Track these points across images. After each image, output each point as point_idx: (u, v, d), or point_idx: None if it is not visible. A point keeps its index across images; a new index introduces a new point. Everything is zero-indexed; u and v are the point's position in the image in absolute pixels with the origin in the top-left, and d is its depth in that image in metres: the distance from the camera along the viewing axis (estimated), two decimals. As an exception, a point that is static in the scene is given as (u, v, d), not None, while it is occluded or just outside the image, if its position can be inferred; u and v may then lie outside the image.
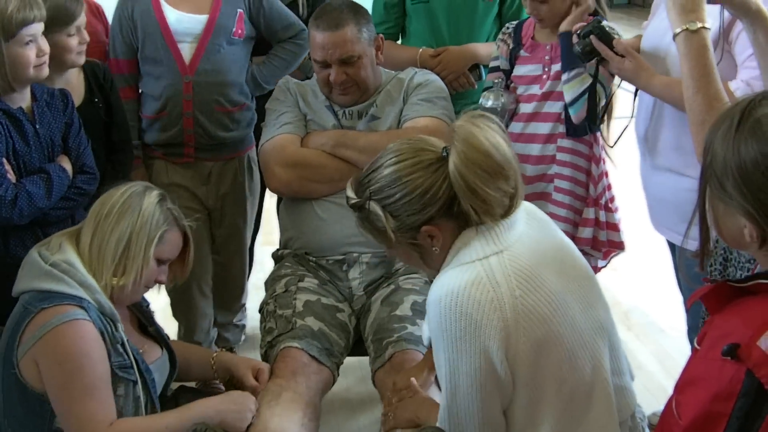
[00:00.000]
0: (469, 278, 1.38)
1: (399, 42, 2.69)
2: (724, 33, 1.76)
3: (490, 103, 2.28)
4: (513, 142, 1.51)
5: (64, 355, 1.60)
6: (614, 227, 2.30)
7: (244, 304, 2.91)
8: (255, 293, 2.85)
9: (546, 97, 2.25)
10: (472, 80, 2.55)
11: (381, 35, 2.27)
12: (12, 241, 1.96)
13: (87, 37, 2.14)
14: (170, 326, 2.67)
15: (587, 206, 2.27)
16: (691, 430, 1.15)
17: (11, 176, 1.90)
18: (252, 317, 2.93)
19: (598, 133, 2.26)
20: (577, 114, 2.18)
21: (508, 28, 2.38)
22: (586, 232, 2.26)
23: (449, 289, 1.38)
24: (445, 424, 1.47)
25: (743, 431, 1.10)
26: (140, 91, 2.54)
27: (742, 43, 1.75)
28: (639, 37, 2.09)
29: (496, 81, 2.33)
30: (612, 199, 2.32)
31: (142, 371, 1.74)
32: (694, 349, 1.23)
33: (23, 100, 1.97)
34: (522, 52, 2.31)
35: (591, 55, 2.03)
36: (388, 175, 1.45)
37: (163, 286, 1.87)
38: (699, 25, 1.58)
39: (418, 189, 1.42)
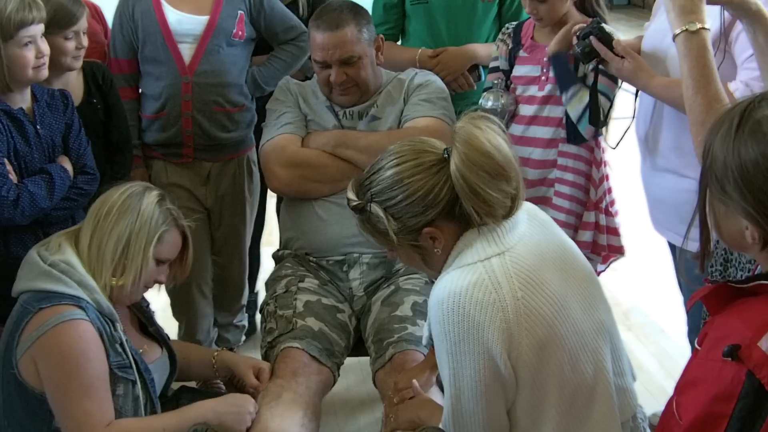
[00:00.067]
0: (471, 279, 1.38)
1: (399, 43, 2.69)
2: (724, 34, 1.76)
3: (490, 104, 2.28)
4: (513, 144, 1.51)
5: (62, 355, 1.60)
6: (614, 231, 2.30)
7: (244, 305, 2.91)
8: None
9: (546, 100, 2.25)
10: (471, 81, 2.55)
11: (381, 36, 2.27)
12: (12, 241, 1.96)
13: (85, 43, 2.14)
14: (170, 326, 2.67)
15: (587, 210, 2.27)
16: (691, 431, 1.15)
17: (13, 177, 1.91)
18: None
19: (600, 137, 2.26)
20: (586, 130, 2.18)
21: (507, 28, 2.37)
22: (586, 236, 2.26)
23: (451, 291, 1.38)
24: (449, 425, 1.47)
25: (744, 432, 1.10)
26: (140, 91, 2.55)
27: (742, 44, 1.75)
28: (640, 38, 2.09)
29: (495, 81, 2.33)
30: (612, 203, 2.31)
31: (141, 371, 1.74)
32: (694, 350, 1.23)
33: (24, 100, 1.97)
34: (521, 53, 2.31)
35: (590, 56, 2.03)
36: (389, 177, 1.45)
37: (162, 286, 1.87)
38: (698, 25, 1.58)
39: (419, 191, 1.42)
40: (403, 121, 2.20)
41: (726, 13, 1.72)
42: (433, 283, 2.08)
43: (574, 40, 2.09)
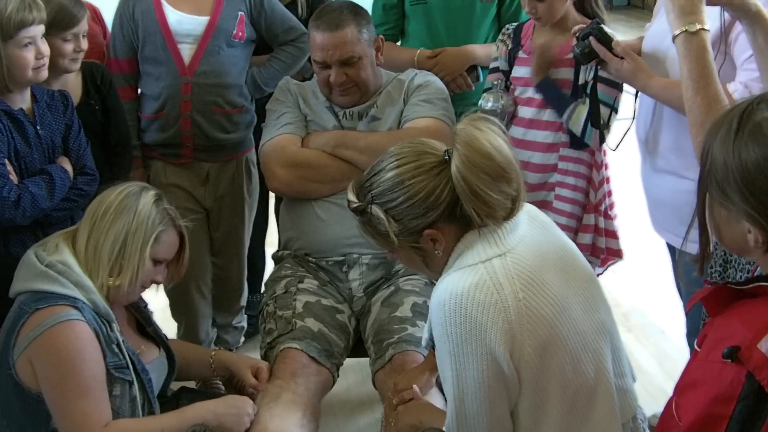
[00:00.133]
0: (472, 281, 1.38)
1: (398, 43, 2.69)
2: (724, 35, 1.76)
3: (490, 105, 2.28)
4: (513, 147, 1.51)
5: (58, 356, 1.60)
6: (613, 234, 2.30)
7: (243, 306, 2.90)
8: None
9: (546, 104, 2.25)
10: (469, 81, 2.55)
11: (381, 36, 2.27)
12: (12, 242, 1.97)
13: (84, 46, 2.14)
14: (169, 327, 2.67)
15: (587, 212, 2.27)
16: (690, 432, 1.15)
17: (13, 177, 1.91)
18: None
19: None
20: (593, 141, 2.19)
21: (507, 29, 2.38)
22: (586, 239, 2.26)
23: (453, 292, 1.38)
24: (452, 428, 1.46)
25: (743, 434, 1.10)
26: (139, 91, 2.54)
27: (741, 45, 1.75)
28: (641, 38, 2.09)
29: (495, 82, 2.33)
30: (612, 206, 2.31)
31: (138, 371, 1.74)
32: (693, 351, 1.22)
33: (24, 101, 1.97)
34: (521, 54, 2.31)
35: (590, 56, 2.03)
36: (390, 179, 1.45)
37: (161, 287, 1.87)
38: (698, 26, 1.58)
39: (420, 193, 1.42)
40: (403, 122, 2.20)
41: (726, 14, 1.72)
42: (433, 283, 2.09)
43: (574, 41, 2.09)
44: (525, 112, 2.29)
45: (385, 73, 2.30)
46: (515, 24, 2.38)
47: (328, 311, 2.09)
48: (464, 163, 1.38)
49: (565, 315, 1.42)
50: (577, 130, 2.18)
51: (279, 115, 2.24)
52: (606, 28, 2.01)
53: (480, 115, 1.46)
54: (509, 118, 2.31)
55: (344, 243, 2.16)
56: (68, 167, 2.03)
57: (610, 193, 2.32)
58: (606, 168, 2.30)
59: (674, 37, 1.61)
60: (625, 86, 2.10)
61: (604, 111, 2.16)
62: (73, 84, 2.22)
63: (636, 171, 2.17)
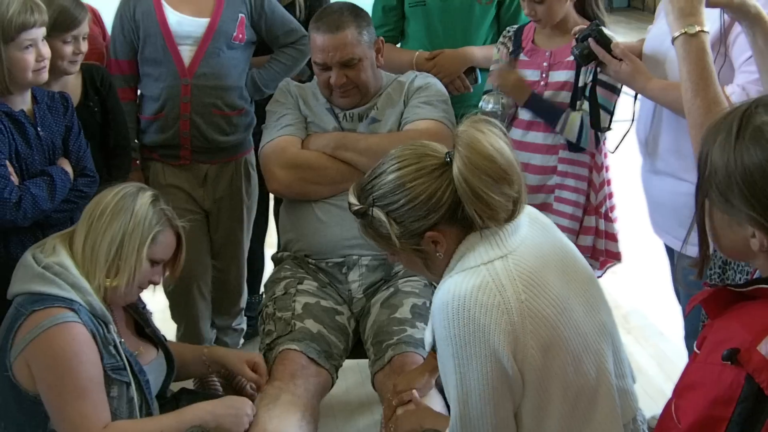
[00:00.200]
0: (474, 283, 1.38)
1: (398, 45, 2.69)
2: (723, 36, 1.76)
3: (490, 107, 2.29)
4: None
5: (54, 358, 1.60)
6: (612, 237, 2.30)
7: (242, 308, 2.90)
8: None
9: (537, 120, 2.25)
10: (467, 83, 2.55)
11: (381, 38, 2.27)
12: (12, 243, 1.96)
13: (84, 48, 2.14)
14: (168, 328, 2.67)
15: (588, 214, 2.27)
16: (690, 434, 1.15)
17: (14, 178, 1.91)
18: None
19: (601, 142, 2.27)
20: (588, 146, 2.20)
21: (508, 31, 2.38)
22: (587, 241, 2.27)
23: (455, 294, 1.38)
24: (457, 431, 1.46)
25: (743, 436, 1.10)
26: (139, 92, 2.54)
27: (740, 47, 1.75)
28: (642, 40, 2.09)
29: (495, 84, 2.33)
30: (612, 209, 2.32)
31: (136, 373, 1.74)
32: (693, 353, 1.22)
33: (24, 102, 1.97)
34: (521, 56, 2.31)
35: (589, 58, 2.03)
36: (391, 181, 1.45)
37: (160, 287, 1.86)
38: (697, 28, 1.58)
39: (422, 195, 1.42)
40: (403, 124, 2.20)
41: (725, 16, 1.72)
42: (432, 285, 2.09)
43: (573, 43, 2.10)
44: (524, 113, 2.29)
45: (386, 74, 2.30)
46: (516, 26, 2.39)
47: (328, 312, 2.09)
48: (466, 165, 1.38)
49: (567, 316, 1.42)
50: (573, 137, 2.19)
51: (279, 116, 2.24)
52: (606, 30, 2.01)
53: (481, 117, 1.46)
54: (509, 119, 2.31)
55: (344, 244, 2.16)
56: (68, 169, 2.03)
57: (610, 195, 2.32)
58: (606, 170, 2.30)
59: (674, 39, 1.61)
60: (625, 88, 2.10)
61: (604, 116, 2.16)
62: (72, 85, 2.22)
63: (636, 172, 2.17)
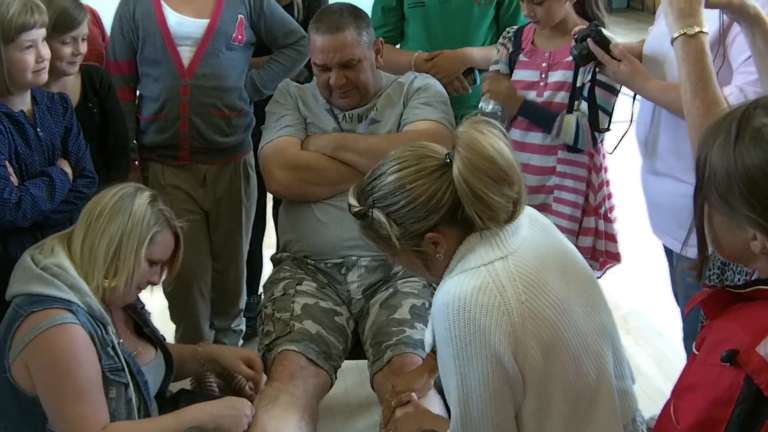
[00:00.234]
0: (475, 284, 1.38)
1: (398, 46, 2.69)
2: (722, 37, 1.76)
3: (490, 108, 2.28)
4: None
5: (53, 359, 1.60)
6: (612, 238, 2.30)
7: (242, 309, 2.90)
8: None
9: (545, 107, 2.24)
10: (466, 84, 2.55)
11: (381, 39, 2.27)
12: (11, 244, 1.97)
13: (83, 50, 2.14)
14: (167, 329, 2.66)
15: (587, 215, 2.27)
16: (689, 435, 1.15)
17: (14, 179, 1.91)
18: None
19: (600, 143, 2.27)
20: (586, 146, 2.20)
21: (508, 32, 2.38)
22: (586, 242, 2.27)
23: (456, 295, 1.38)
24: None
25: (742, 437, 1.10)
26: (138, 93, 2.54)
27: (738, 48, 1.75)
28: (642, 41, 2.09)
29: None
30: (611, 209, 2.32)
31: (134, 374, 1.74)
32: (691, 354, 1.22)
33: (24, 103, 1.98)
34: (521, 57, 2.31)
35: (587, 58, 2.03)
36: (391, 183, 1.45)
37: (159, 288, 1.86)
38: (697, 29, 1.58)
39: (422, 196, 1.42)
40: (403, 125, 2.20)
41: (724, 17, 1.72)
42: (431, 285, 2.09)
43: (572, 43, 2.10)
44: (524, 114, 2.29)
45: (385, 75, 2.30)
46: (516, 27, 2.39)
47: (327, 313, 2.09)
48: (466, 166, 1.38)
49: (567, 317, 1.42)
50: (570, 139, 2.20)
51: (279, 117, 2.24)
52: (605, 31, 2.01)
53: (481, 118, 1.46)
54: (509, 120, 2.32)
55: (343, 245, 2.16)
56: (68, 169, 2.03)
57: (610, 196, 2.32)
58: (605, 171, 2.30)
59: (673, 40, 1.61)
60: (624, 89, 2.10)
61: (602, 117, 2.16)
62: (71, 86, 2.22)
63: (636, 173, 2.17)
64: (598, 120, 2.16)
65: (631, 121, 2.11)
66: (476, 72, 2.55)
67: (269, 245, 3.10)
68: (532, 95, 2.27)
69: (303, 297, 2.10)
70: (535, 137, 2.27)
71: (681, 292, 2.08)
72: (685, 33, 1.58)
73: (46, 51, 1.93)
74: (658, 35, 1.97)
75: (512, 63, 2.33)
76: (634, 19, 9.56)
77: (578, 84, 2.19)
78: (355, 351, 2.15)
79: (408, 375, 1.83)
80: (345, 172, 2.15)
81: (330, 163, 2.17)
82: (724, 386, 1.10)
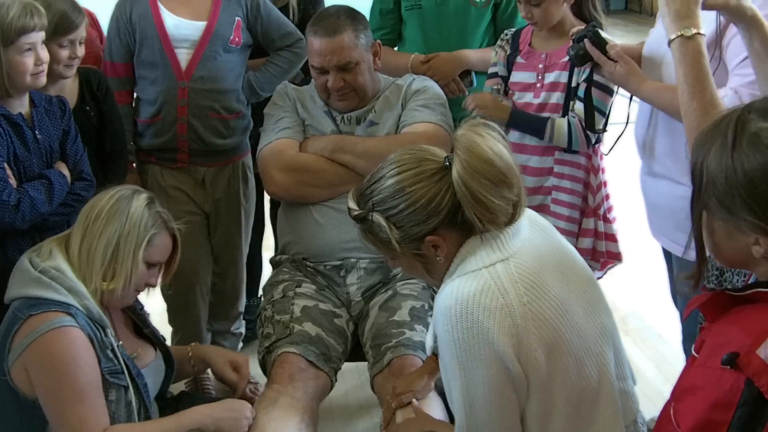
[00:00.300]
0: (477, 286, 1.38)
1: (396, 48, 2.69)
2: (718, 39, 1.76)
3: None
4: (510, 151, 1.51)
5: (52, 362, 1.60)
6: (612, 238, 2.30)
7: (241, 312, 2.90)
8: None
9: (541, 108, 2.25)
10: (462, 86, 2.55)
11: (378, 41, 2.27)
12: (9, 247, 1.97)
13: (80, 53, 2.14)
14: (165, 331, 2.66)
15: (586, 216, 2.27)
16: (689, 437, 1.15)
17: (12, 181, 1.91)
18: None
19: (597, 144, 2.27)
20: (580, 147, 2.20)
21: (506, 34, 2.38)
22: (586, 243, 2.27)
23: (458, 298, 1.37)
24: None
25: (743, 440, 1.10)
26: (135, 96, 2.54)
27: (734, 50, 1.75)
28: (642, 43, 2.10)
29: (494, 87, 2.34)
30: (610, 209, 2.32)
31: (134, 376, 1.74)
32: (691, 357, 1.22)
33: (22, 106, 1.98)
34: (518, 59, 2.31)
35: (584, 59, 2.04)
36: (390, 186, 1.45)
37: (157, 290, 1.86)
38: (694, 31, 1.58)
39: (421, 199, 1.42)
40: (401, 127, 2.20)
41: (721, 18, 1.72)
42: (430, 287, 2.09)
43: (570, 43, 2.10)
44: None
45: (383, 77, 2.30)
46: (514, 29, 2.39)
47: (326, 315, 2.09)
48: (465, 169, 1.38)
49: (568, 318, 1.42)
50: (563, 142, 2.20)
51: (277, 119, 2.24)
52: (602, 33, 2.02)
53: (480, 120, 1.46)
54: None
55: (342, 247, 2.16)
56: (66, 172, 2.03)
57: (608, 197, 2.32)
58: (603, 172, 2.31)
59: (670, 42, 1.62)
60: (621, 90, 2.11)
61: (598, 118, 2.16)
62: (69, 89, 2.22)
63: (634, 174, 2.17)
64: (593, 121, 2.16)
65: (627, 122, 2.11)
66: (473, 74, 2.55)
67: (267, 247, 3.10)
68: (529, 97, 2.27)
69: (302, 299, 2.10)
70: (533, 138, 2.27)
71: (680, 294, 2.08)
72: (682, 35, 1.59)
73: (45, 54, 1.93)
74: (657, 37, 1.97)
75: (510, 65, 2.33)
76: (632, 21, 9.57)
77: (573, 85, 2.20)
78: (355, 353, 2.15)
79: (408, 377, 1.83)
80: (343, 174, 2.15)
81: (328, 165, 2.17)
82: (724, 389, 1.10)
